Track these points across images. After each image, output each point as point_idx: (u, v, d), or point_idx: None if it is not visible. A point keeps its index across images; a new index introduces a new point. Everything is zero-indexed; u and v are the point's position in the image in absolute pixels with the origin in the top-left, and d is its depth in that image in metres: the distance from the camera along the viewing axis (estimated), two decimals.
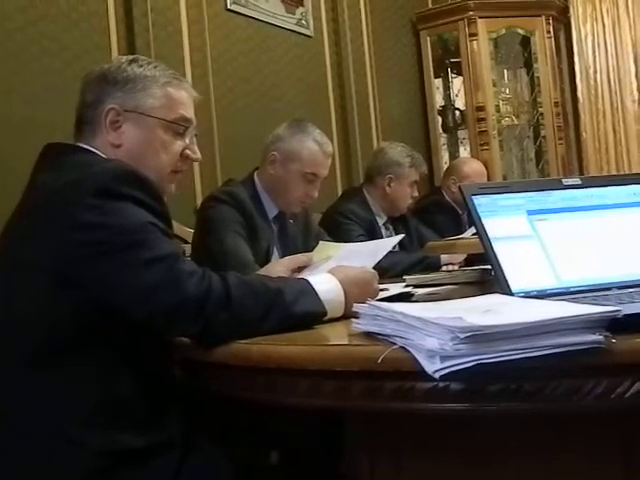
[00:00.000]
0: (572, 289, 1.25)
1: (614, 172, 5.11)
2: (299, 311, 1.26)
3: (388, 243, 2.11)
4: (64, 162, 1.33)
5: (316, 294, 1.30)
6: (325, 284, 1.33)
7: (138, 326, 1.22)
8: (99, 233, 1.20)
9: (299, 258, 1.78)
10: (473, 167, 3.91)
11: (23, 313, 1.23)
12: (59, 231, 1.21)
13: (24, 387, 1.21)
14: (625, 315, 0.95)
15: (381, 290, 1.52)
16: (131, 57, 1.47)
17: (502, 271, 1.24)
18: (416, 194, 3.37)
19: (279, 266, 1.75)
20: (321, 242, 2.10)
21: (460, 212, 3.76)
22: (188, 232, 2.54)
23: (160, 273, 1.18)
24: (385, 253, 1.89)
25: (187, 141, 1.48)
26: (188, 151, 1.48)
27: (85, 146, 1.40)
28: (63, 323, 1.20)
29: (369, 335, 1.10)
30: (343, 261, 1.64)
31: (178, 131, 1.45)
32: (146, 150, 1.41)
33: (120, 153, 1.39)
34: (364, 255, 1.81)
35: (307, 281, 1.33)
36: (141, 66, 1.43)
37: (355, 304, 1.17)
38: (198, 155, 1.51)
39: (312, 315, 1.28)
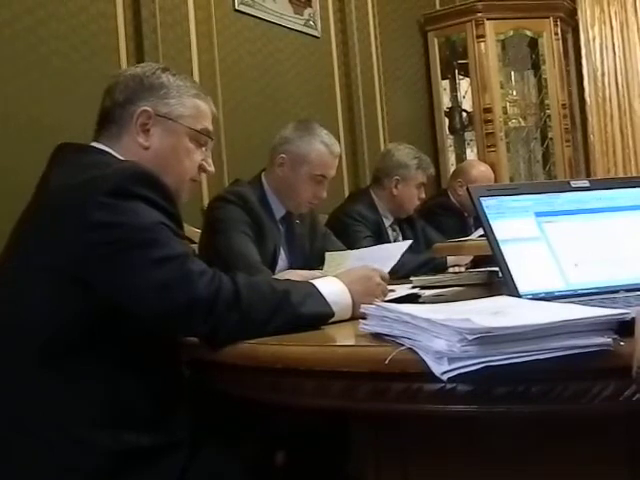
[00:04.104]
0: (580, 291, 1.25)
1: (621, 174, 5.11)
2: (306, 312, 1.26)
3: (396, 250, 2.10)
4: (78, 162, 1.33)
5: (322, 296, 1.30)
6: (329, 286, 1.33)
7: (145, 326, 1.22)
8: (111, 232, 1.20)
9: (314, 274, 1.80)
10: (480, 170, 3.90)
11: (32, 313, 1.22)
12: (71, 230, 1.21)
13: (32, 387, 1.21)
14: (633, 318, 0.95)
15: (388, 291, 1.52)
16: (162, 65, 1.52)
17: (510, 273, 1.24)
18: (423, 196, 3.37)
19: (294, 276, 1.75)
20: (327, 253, 2.10)
21: (466, 215, 3.76)
22: (195, 232, 2.54)
23: (171, 272, 1.18)
24: (395, 261, 1.88)
25: (205, 153, 1.53)
26: (204, 163, 1.53)
27: (100, 146, 1.41)
28: (72, 323, 1.20)
29: (376, 336, 1.10)
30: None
31: (201, 142, 1.51)
32: (172, 155, 1.45)
33: (146, 156, 1.41)
34: (374, 262, 1.81)
35: (312, 284, 1.33)
36: (174, 75, 1.48)
37: (363, 305, 1.17)
38: (212, 168, 1.57)
39: (319, 316, 1.29)
